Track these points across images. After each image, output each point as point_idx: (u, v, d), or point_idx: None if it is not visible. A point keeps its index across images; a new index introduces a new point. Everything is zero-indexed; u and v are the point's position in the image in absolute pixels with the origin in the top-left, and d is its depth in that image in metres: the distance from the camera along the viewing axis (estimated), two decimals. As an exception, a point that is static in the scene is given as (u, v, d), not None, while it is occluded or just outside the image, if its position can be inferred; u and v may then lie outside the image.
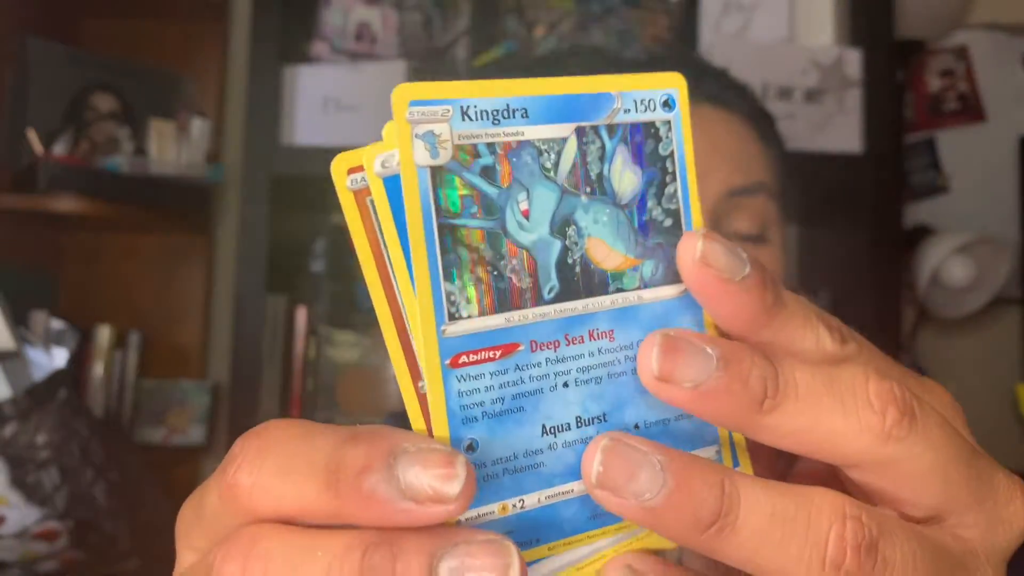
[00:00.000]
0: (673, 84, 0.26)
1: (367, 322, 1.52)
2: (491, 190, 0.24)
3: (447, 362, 0.23)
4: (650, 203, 0.26)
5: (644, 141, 0.26)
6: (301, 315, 1.50)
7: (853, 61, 1.41)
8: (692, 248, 0.24)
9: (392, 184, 0.24)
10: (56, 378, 1.18)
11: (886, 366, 0.27)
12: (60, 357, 1.25)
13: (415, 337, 0.23)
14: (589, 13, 1.49)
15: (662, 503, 0.22)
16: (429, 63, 1.48)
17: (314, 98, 1.46)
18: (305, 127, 1.45)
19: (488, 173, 0.24)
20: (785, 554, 0.22)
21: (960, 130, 1.81)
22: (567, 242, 0.25)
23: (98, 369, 1.63)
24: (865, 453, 0.24)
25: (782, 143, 0.71)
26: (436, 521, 0.21)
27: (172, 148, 1.61)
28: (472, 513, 0.23)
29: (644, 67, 0.67)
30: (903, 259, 1.69)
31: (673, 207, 0.26)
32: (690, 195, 0.26)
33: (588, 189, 0.25)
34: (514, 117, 0.24)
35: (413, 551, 0.21)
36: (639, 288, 0.26)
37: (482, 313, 0.24)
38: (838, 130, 1.41)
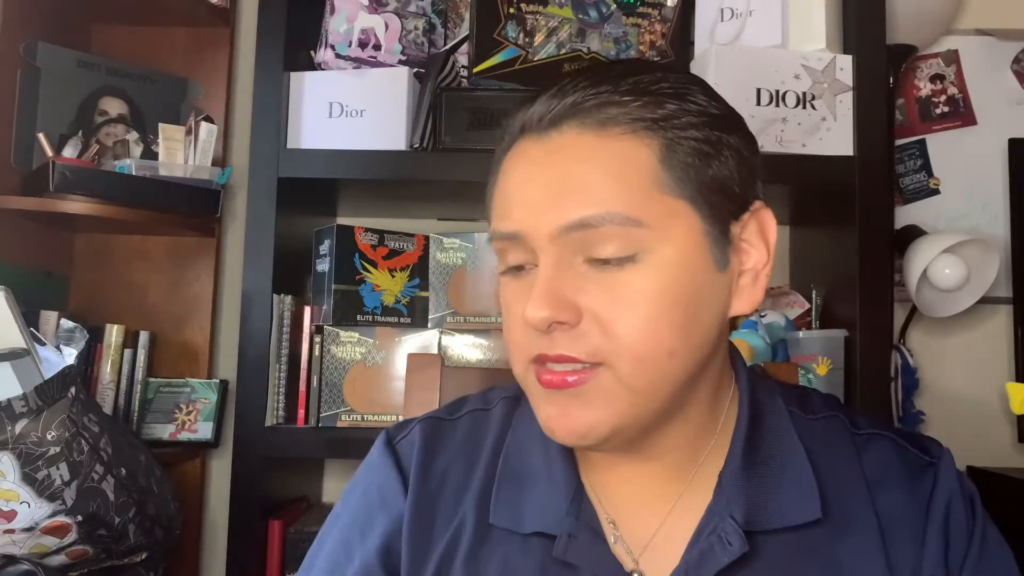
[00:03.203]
0: None
1: (371, 321, 1.53)
2: None
3: None
4: None
5: None
6: (307, 315, 1.52)
7: (845, 66, 1.42)
8: None
9: None
10: (66, 376, 1.17)
11: None
12: (70, 356, 1.24)
13: None
14: (587, 20, 1.51)
15: None
16: (431, 68, 1.49)
17: (319, 103, 1.47)
18: (310, 131, 1.46)
19: None
20: None
21: (950, 133, 1.82)
22: None
23: (108, 367, 1.64)
24: None
25: (740, 143, 0.67)
26: None
27: (180, 151, 1.62)
28: None
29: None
30: (894, 259, 1.71)
31: None
32: None
33: None
34: None
35: None
36: None
37: None
38: (830, 134, 1.42)
